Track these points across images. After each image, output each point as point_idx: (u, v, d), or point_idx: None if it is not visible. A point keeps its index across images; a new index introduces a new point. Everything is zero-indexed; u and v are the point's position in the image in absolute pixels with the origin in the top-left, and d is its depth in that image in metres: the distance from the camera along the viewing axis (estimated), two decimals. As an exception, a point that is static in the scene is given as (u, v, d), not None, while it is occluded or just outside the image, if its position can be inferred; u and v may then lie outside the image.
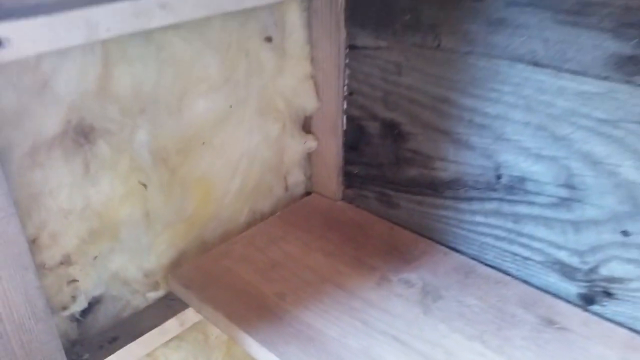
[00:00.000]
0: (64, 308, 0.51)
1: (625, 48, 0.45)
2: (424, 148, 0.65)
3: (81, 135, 0.47)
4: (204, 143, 0.59)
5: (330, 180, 0.78)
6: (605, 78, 0.47)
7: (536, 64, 0.51)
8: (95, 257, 0.51)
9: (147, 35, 0.49)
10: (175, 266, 0.65)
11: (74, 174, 0.48)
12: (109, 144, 0.49)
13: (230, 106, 0.61)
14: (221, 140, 0.62)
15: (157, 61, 0.51)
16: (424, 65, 0.60)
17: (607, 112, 0.48)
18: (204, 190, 0.64)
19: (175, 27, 0.51)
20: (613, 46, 0.46)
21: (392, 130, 0.67)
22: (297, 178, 0.79)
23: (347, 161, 0.75)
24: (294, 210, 0.77)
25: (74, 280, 0.50)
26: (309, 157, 0.79)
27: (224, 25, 0.57)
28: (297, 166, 0.78)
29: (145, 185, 0.53)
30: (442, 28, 0.56)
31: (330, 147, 0.75)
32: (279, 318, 0.56)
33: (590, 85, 0.49)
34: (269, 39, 0.63)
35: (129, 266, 0.58)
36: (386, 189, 0.71)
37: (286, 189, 0.79)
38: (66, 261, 0.49)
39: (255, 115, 0.66)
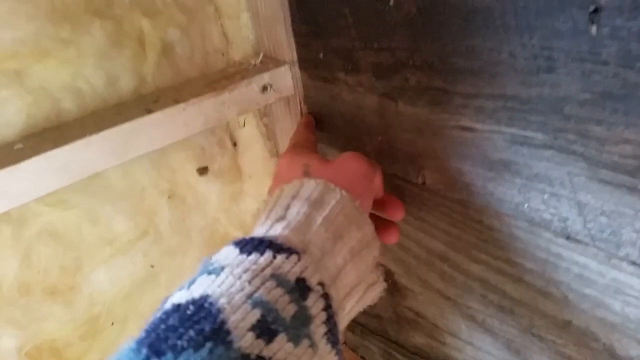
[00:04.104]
0: None
1: None
2: (428, 313, 0.46)
3: None
4: (113, 324, 0.47)
5: (328, 318, 0.62)
6: (700, 284, 0.27)
7: (570, 237, 0.32)
8: None
9: (-5, 216, 0.38)
10: None
11: None
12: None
13: (152, 266, 0.48)
14: (150, 305, 0.50)
15: (20, 244, 0.40)
16: (410, 205, 0.42)
17: None
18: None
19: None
20: None
21: (386, 279, 0.49)
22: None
23: (342, 300, 0.59)
24: None
25: None
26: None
27: (126, 171, 0.44)
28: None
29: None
30: (425, 161, 0.39)
31: (321, 280, 0.59)
32: None
33: (671, 290, 0.28)
34: (203, 170, 0.49)
35: None
36: (391, 349, 0.54)
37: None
38: None
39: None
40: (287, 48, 0.45)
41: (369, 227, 0.33)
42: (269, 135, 0.54)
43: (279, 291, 0.26)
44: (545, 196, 0.32)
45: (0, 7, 0.36)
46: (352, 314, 0.33)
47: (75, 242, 0.44)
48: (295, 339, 0.24)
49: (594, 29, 0.25)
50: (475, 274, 0.39)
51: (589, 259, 0.31)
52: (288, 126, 0.51)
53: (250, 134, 0.53)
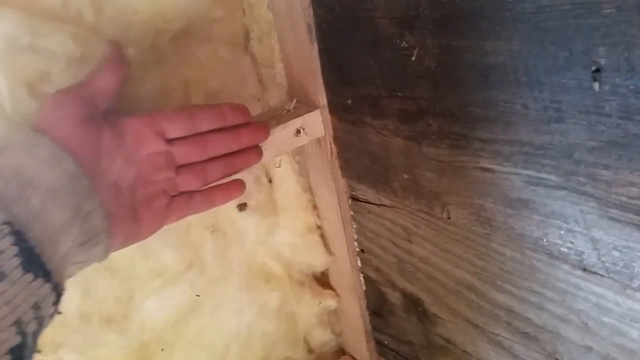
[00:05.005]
0: None
1: None
2: (458, 340, 0.49)
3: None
4: (162, 349, 0.51)
5: (360, 344, 0.65)
6: None
7: (586, 270, 0.34)
8: None
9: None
10: None
11: None
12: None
13: (198, 295, 0.52)
14: (196, 331, 0.54)
15: (81, 277, 0.45)
16: (436, 238, 0.45)
17: None
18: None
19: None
20: None
21: (416, 307, 0.52)
22: (322, 337, 0.68)
23: (374, 327, 0.62)
24: (315, 386, 0.65)
25: None
26: (336, 312, 0.67)
27: (174, 209, 0.49)
28: (318, 326, 0.66)
29: None
30: (449, 198, 0.42)
31: (353, 307, 0.63)
32: None
33: (683, 319, 0.30)
34: (242, 206, 0.54)
35: None
36: (423, 374, 0.56)
37: (310, 351, 0.68)
38: None
39: (242, 291, 0.56)
40: (318, 94, 0.49)
41: (67, 162, 0.34)
42: (302, 172, 0.58)
43: None
44: (562, 232, 0.34)
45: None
46: (83, 249, 0.35)
47: (128, 274, 0.48)
48: None
49: (596, 86, 0.28)
50: (500, 302, 0.42)
51: (605, 289, 0.34)
52: (319, 163, 0.55)
53: (284, 171, 0.57)
